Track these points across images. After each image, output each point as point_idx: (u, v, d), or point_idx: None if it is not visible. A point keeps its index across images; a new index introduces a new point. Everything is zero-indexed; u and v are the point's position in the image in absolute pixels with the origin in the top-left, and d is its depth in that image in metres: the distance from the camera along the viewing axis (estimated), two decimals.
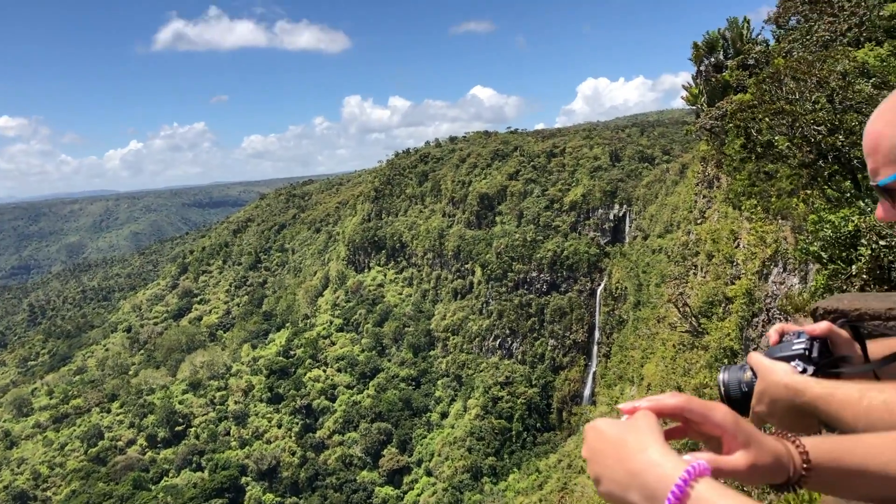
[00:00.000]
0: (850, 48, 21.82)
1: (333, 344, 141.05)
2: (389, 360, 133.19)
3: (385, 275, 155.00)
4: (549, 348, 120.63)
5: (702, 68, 40.40)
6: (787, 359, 1.76)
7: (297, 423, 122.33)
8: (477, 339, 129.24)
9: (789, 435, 1.20)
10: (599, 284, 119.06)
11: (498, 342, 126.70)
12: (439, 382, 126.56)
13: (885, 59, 20.01)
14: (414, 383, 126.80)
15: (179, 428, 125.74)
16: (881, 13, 22.59)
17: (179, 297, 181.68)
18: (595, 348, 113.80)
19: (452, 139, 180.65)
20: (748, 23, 38.18)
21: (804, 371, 1.71)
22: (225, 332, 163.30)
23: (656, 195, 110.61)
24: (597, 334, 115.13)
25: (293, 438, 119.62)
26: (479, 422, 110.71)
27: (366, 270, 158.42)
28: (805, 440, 1.20)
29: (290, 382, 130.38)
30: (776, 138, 18.63)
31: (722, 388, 1.87)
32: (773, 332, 1.94)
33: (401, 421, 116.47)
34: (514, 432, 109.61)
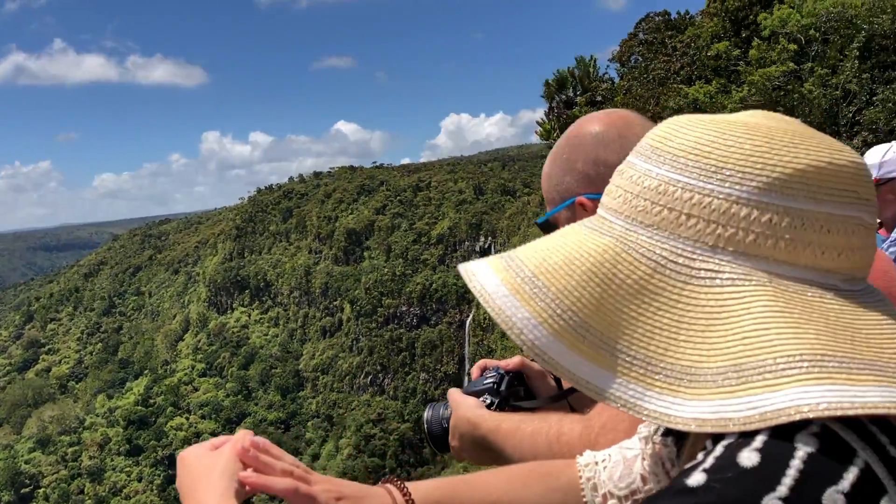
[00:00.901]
0: (682, 85, 23.21)
1: (196, 390, 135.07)
2: (256, 404, 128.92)
3: (249, 315, 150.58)
4: (420, 382, 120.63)
5: (553, 105, 41.86)
6: (478, 393, 1.75)
7: (159, 476, 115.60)
8: (348, 376, 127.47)
9: (396, 480, 1.13)
10: (468, 315, 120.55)
11: (369, 379, 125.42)
12: (309, 424, 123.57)
13: (713, 96, 21.32)
14: (283, 426, 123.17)
15: (26, 490, 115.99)
16: (709, 53, 24.15)
17: (24, 347, 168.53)
18: (465, 380, 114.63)
19: (317, 174, 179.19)
20: (594, 61, 39.95)
21: (491, 405, 1.69)
22: (77, 383, 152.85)
23: (519, 226, 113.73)
24: (467, 365, 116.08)
25: (155, 492, 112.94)
26: (351, 461, 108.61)
27: (229, 312, 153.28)
28: (416, 483, 1.14)
29: (151, 433, 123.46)
30: None
31: (425, 426, 1.87)
32: (475, 368, 1.96)
33: None
34: (387, 469, 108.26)
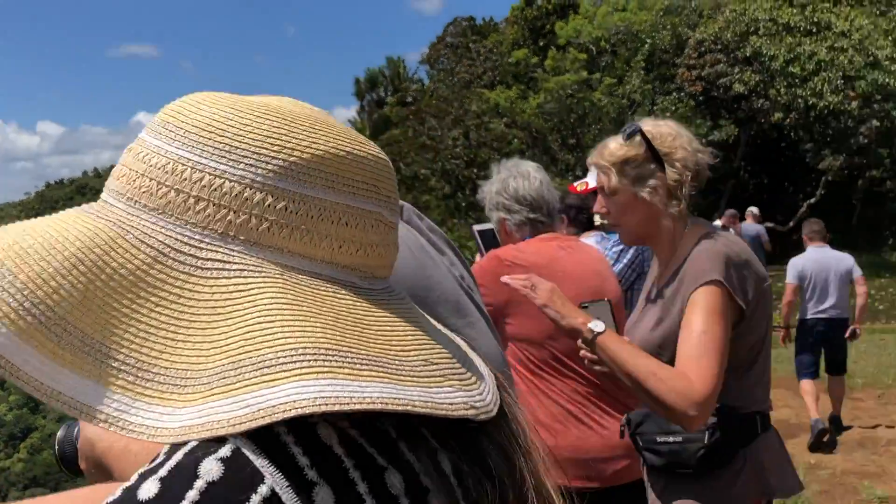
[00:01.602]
0: (484, 90, 23.82)
1: None
2: (45, 417, 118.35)
3: None
4: None
5: (365, 104, 41.74)
6: None
7: None
8: None
9: None
10: None
11: None
12: None
13: (513, 101, 21.97)
14: None
15: None
16: (509, 59, 24.93)
17: None
18: None
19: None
20: (403, 62, 40.20)
21: None
22: None
23: None
24: None
25: None
26: None
27: None
28: None
29: None
30: (421, 171, 19.63)
31: (56, 448, 1.57)
32: None
33: (62, 484, 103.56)
34: None
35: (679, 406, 1.74)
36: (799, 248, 23.20)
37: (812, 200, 22.25)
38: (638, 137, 2.04)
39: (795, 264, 6.21)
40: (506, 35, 27.84)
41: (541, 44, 24.72)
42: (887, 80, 20.52)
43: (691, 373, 1.77)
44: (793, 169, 25.49)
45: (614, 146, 2.08)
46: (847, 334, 5.98)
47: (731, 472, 1.99)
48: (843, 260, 6.13)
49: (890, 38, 23.45)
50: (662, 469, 2.06)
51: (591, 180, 3.70)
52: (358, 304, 0.64)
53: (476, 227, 3.08)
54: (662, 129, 2.06)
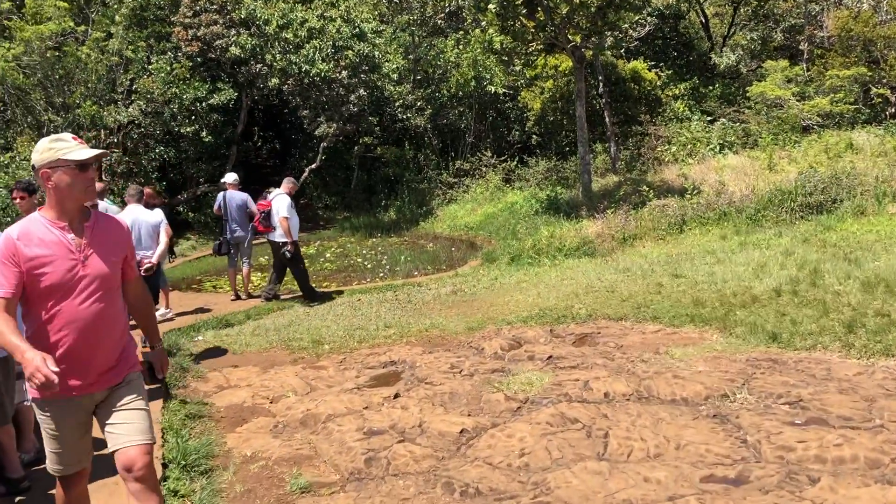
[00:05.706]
0: None
1: None
2: None
3: None
4: None
5: None
6: None
7: None
8: None
9: None
10: None
11: None
12: None
13: None
14: None
15: None
16: None
17: None
18: None
19: None
20: None
21: None
22: None
23: None
24: None
25: None
26: None
27: None
28: None
29: None
30: None
31: None
32: None
33: None
34: None
35: None
36: (305, 212, 23.57)
37: (314, 166, 23.16)
38: None
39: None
40: None
41: None
42: (373, 52, 22.21)
43: None
44: (296, 134, 26.34)
45: None
46: (143, 270, 7.19)
47: None
48: (154, 215, 8.10)
49: (377, 11, 25.56)
50: None
51: None
52: None
53: None
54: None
